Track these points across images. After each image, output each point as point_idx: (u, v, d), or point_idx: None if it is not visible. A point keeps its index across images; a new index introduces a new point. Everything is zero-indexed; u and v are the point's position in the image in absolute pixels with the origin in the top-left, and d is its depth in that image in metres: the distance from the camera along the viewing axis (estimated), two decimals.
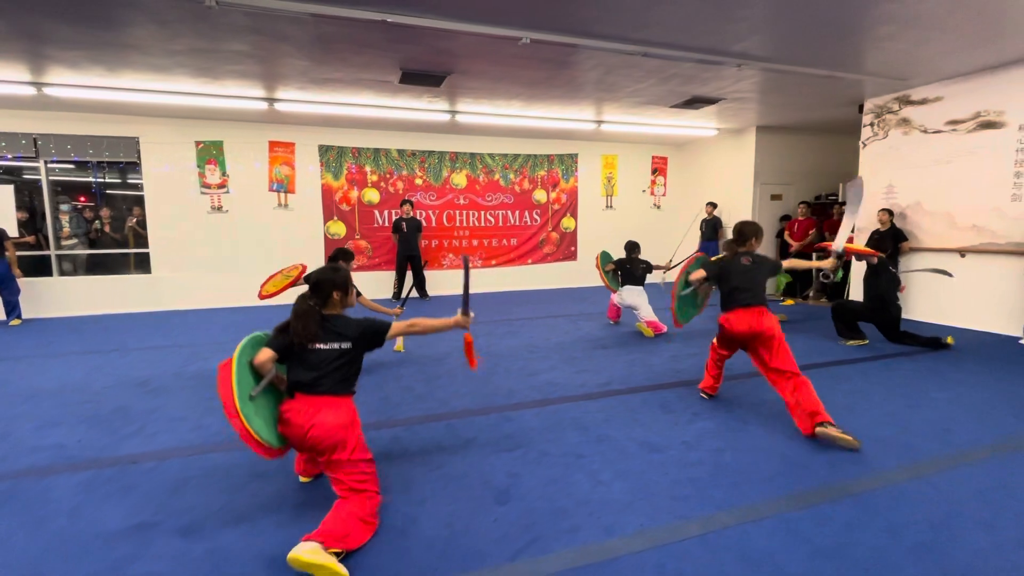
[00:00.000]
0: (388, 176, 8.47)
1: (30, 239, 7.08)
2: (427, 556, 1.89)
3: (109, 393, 3.78)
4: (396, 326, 2.26)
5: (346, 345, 2.12)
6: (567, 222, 9.69)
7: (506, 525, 2.08)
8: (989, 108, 5.44)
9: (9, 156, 6.96)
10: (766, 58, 4.97)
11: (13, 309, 6.58)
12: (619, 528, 2.06)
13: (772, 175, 8.56)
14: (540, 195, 9.41)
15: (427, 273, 8.58)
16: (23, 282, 6.70)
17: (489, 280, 9.16)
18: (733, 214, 8.84)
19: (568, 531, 2.04)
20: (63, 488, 2.39)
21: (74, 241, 7.52)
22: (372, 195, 8.42)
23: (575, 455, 2.70)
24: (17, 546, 1.96)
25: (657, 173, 10.20)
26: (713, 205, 8.97)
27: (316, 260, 8.20)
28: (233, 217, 7.77)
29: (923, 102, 6.03)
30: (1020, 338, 5.13)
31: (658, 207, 10.32)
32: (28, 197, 7.36)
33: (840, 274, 7.20)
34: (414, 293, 8.08)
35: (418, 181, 8.63)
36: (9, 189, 7.02)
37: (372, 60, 4.96)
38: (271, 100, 6.31)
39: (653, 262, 6.04)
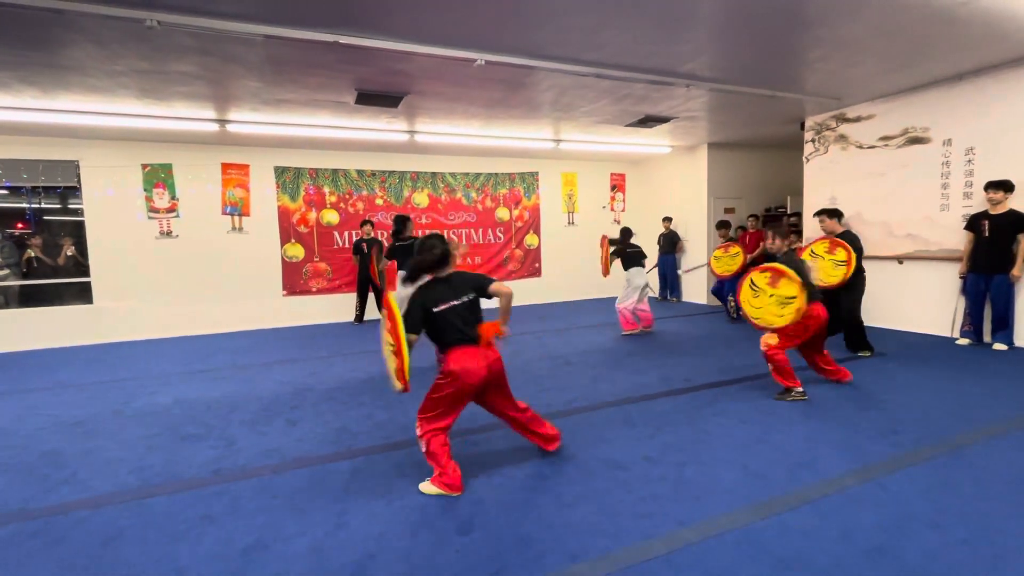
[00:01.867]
0: (347, 197, 8.33)
1: None
2: None
3: (39, 436, 3.49)
4: (497, 285, 2.77)
5: (471, 296, 2.67)
6: (530, 239, 9.75)
7: (469, 556, 2.01)
8: (916, 125, 5.83)
9: None
10: (712, 79, 5.19)
11: None
12: (584, 553, 2.02)
13: (724, 189, 8.90)
14: (503, 213, 9.45)
15: (391, 292, 8.41)
16: None
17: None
18: (690, 228, 9.11)
19: (533, 559, 1.99)
20: None
21: (6, 272, 7.01)
22: (331, 216, 8.25)
23: (540, 477, 2.66)
24: None
25: (616, 189, 10.43)
26: (669, 219, 9.22)
27: (274, 284, 7.93)
28: (183, 242, 7.45)
29: (858, 119, 6.41)
30: (956, 339, 5.44)
31: (618, 223, 10.53)
32: None
33: None
34: (376, 314, 7.90)
35: (379, 201, 8.52)
36: None
37: (326, 81, 4.90)
38: (222, 121, 6.13)
39: (615, 278, 6.20)
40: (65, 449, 3.23)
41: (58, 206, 7.60)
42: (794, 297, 3.56)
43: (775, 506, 2.32)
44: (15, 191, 7.14)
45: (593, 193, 10.23)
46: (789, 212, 8.53)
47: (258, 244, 7.85)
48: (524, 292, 9.59)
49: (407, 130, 6.94)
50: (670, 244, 9.16)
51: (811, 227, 7.00)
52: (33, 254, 7.09)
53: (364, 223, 8.02)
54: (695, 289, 9.13)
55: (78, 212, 7.14)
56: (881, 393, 3.83)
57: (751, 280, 3.83)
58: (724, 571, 1.89)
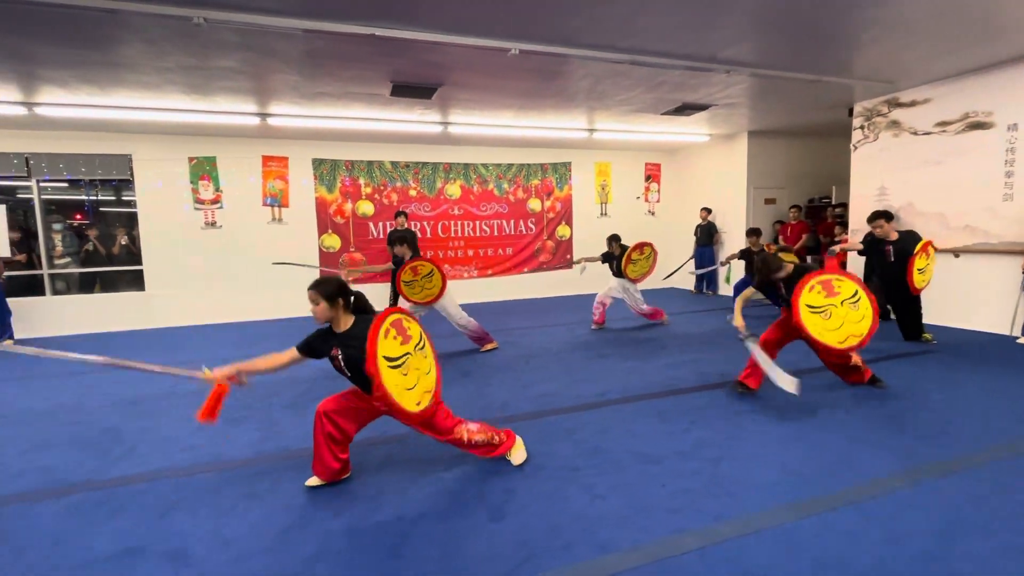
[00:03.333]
0: (382, 188, 8.47)
1: (21, 258, 7.04)
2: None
3: (100, 414, 3.73)
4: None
5: None
6: (562, 230, 9.69)
7: (500, 543, 2.04)
8: (977, 109, 5.46)
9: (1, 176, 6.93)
10: (754, 64, 5.00)
11: (5, 329, 6.53)
12: (614, 544, 2.02)
13: (765, 179, 8.59)
14: (534, 204, 9.41)
15: None
16: (15, 302, 6.65)
17: (484, 290, 9.14)
18: (727, 219, 8.86)
19: (563, 548, 2.00)
20: (48, 514, 2.34)
21: (67, 260, 7.48)
22: (366, 207, 8.41)
23: (570, 468, 2.66)
24: (4, 563, 1.91)
25: (651, 180, 10.22)
26: (708, 211, 8.99)
27: (312, 273, 8.17)
28: (227, 232, 7.74)
29: (912, 104, 6.06)
30: (1017, 337, 5.12)
31: (652, 214, 10.34)
32: (22, 216, 7.33)
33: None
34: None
35: (412, 192, 8.63)
36: (1, 209, 6.99)
37: (362, 74, 4.97)
38: (263, 115, 6.32)
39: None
40: (123, 427, 3.44)
41: (113, 198, 8.03)
42: (856, 292, 3.16)
43: (815, 505, 2.25)
44: (75, 184, 7.57)
45: (627, 183, 10.06)
46: (834, 203, 8.17)
47: (297, 234, 8.08)
48: (556, 283, 9.56)
49: (440, 121, 6.98)
50: (707, 236, 8.93)
51: (858, 219, 6.69)
52: (91, 245, 7.53)
53: (398, 214, 8.13)
54: (732, 284, 8.88)
55: (131, 204, 7.53)
56: (931, 392, 3.65)
57: (807, 307, 3.22)
58: (760, 569, 1.85)
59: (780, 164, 8.64)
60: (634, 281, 6.30)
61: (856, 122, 6.70)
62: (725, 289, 9.05)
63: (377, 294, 8.38)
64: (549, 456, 2.81)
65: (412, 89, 5.43)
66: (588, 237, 9.81)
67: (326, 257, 8.25)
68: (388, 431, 3.24)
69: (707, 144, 9.08)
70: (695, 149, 9.54)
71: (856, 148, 6.75)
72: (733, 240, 8.73)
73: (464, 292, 9.02)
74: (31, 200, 7.12)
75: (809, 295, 3.18)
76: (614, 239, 6.44)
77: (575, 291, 9.55)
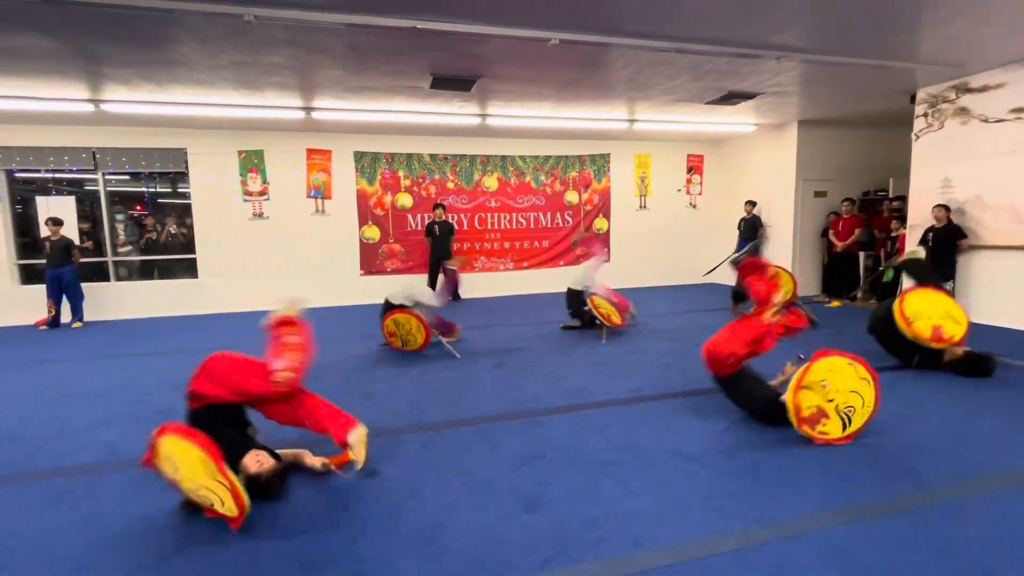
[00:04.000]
0: (421, 180, 8.58)
1: (89, 245, 7.54)
2: (453, 563, 1.89)
3: (157, 393, 3.97)
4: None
5: None
6: (600, 223, 9.56)
7: (533, 534, 2.05)
8: None
9: (71, 169, 7.44)
10: (807, 49, 4.75)
11: (76, 312, 7.03)
12: (649, 540, 2.00)
13: (815, 171, 8.20)
14: (572, 196, 9.33)
15: (459, 275, 8.60)
16: (84, 287, 7.14)
17: (520, 282, 9.15)
18: (774, 212, 8.51)
19: (596, 542, 1.99)
20: (111, 485, 2.52)
21: (129, 248, 7.98)
22: (405, 199, 8.55)
23: (604, 463, 2.64)
24: (71, 539, 2.07)
25: (693, 172, 9.94)
26: (752, 204, 8.66)
27: (352, 264, 8.41)
28: (273, 224, 8.05)
29: (983, 89, 5.63)
30: None
31: (694, 206, 10.06)
32: (89, 207, 7.84)
33: (891, 274, 6.83)
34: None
35: (450, 185, 8.71)
36: (71, 200, 7.51)
37: (403, 67, 5.03)
38: (308, 109, 6.50)
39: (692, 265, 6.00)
40: (177, 406, 3.64)
41: (169, 190, 8.48)
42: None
43: (863, 512, 2.15)
44: (135, 176, 8.04)
45: (667, 175, 9.82)
46: (891, 196, 7.72)
47: (338, 226, 8.31)
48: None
49: (479, 113, 7.00)
50: (751, 230, 8.61)
51: (918, 213, 6.30)
52: (155, 233, 8.00)
53: (436, 206, 8.24)
54: None
55: (185, 196, 7.92)
56: (996, 402, 3.41)
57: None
58: (800, 573, 1.79)
59: (832, 155, 8.22)
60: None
61: (919, 109, 6.29)
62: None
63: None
64: (582, 450, 2.79)
65: (452, 81, 5.46)
66: (626, 230, 9.66)
67: (366, 248, 8.46)
68: (423, 420, 3.31)
69: (753, 134, 8.74)
70: (740, 140, 9.20)
71: (918, 137, 6.34)
72: (779, 234, 8.39)
73: (500, 284, 9.07)
74: (97, 192, 7.60)
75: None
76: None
77: (613, 285, 9.40)
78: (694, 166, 9.92)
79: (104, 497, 2.40)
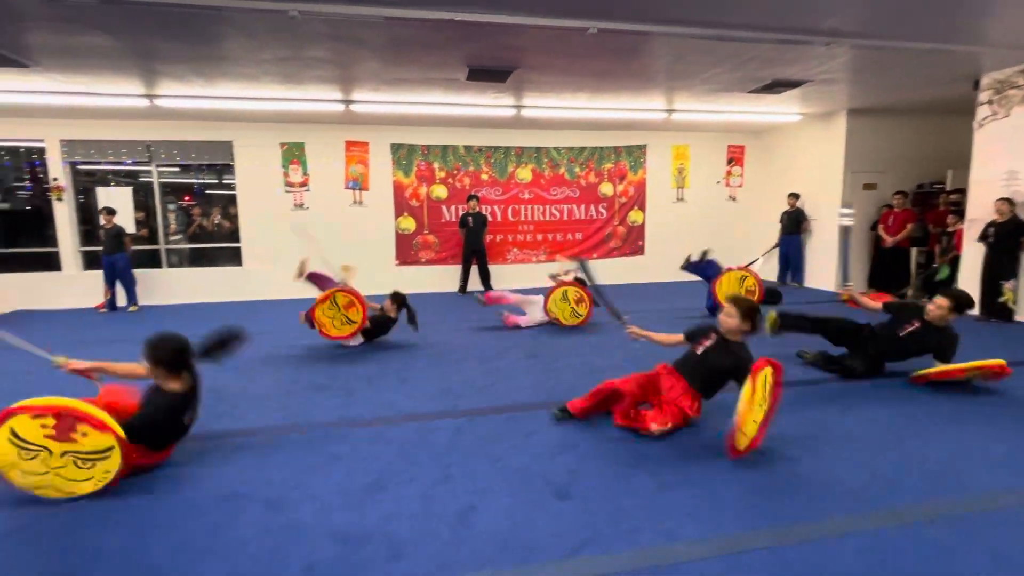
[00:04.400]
0: (455, 172, 8.65)
1: (144, 233, 7.97)
2: (486, 546, 1.93)
3: (207, 373, 4.16)
4: None
5: None
6: (635, 215, 9.42)
7: (564, 521, 2.08)
8: None
9: (128, 161, 7.86)
10: (860, 34, 4.53)
11: (131, 297, 7.46)
12: (681, 534, 1.99)
13: (865, 162, 7.82)
14: (606, 188, 9.22)
15: (491, 267, 8.66)
16: (139, 273, 7.56)
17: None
18: (819, 206, 8.19)
19: (627, 532, 2.00)
20: (175, 455, 2.68)
21: (179, 236, 8.39)
22: (440, 191, 8.65)
23: (639, 456, 2.63)
24: (131, 508, 2.22)
25: (733, 163, 9.65)
26: (795, 196, 8.36)
27: (388, 254, 8.58)
28: (313, 214, 8.29)
29: None
30: None
31: (734, 199, 9.78)
32: (143, 197, 8.27)
33: (946, 271, 6.48)
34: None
35: (484, 176, 8.75)
36: (128, 191, 7.94)
37: (440, 59, 5.07)
38: (347, 102, 6.65)
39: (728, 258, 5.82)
40: (225, 387, 3.84)
41: (215, 181, 8.84)
42: None
43: (908, 515, 2.08)
44: (185, 168, 8.42)
45: (707, 167, 9.56)
46: (949, 189, 7.30)
47: (375, 217, 8.49)
48: (625, 270, 9.34)
49: (513, 105, 6.99)
50: (794, 223, 8.32)
51: (979, 207, 5.94)
52: (203, 222, 8.39)
53: (470, 198, 8.30)
54: (821, 274, 8.23)
55: (230, 187, 8.25)
56: None
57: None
58: (840, 574, 1.75)
59: (883, 145, 7.82)
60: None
61: (983, 96, 5.91)
62: (812, 280, 8.40)
63: (449, 276, 8.65)
64: (616, 441, 2.79)
65: (487, 73, 5.47)
66: (662, 223, 9.48)
67: (401, 239, 8.61)
68: (459, 406, 3.37)
69: (798, 124, 8.40)
70: (785, 130, 8.86)
71: (981, 126, 5.96)
72: (824, 228, 8.07)
73: (532, 276, 9.07)
74: (151, 183, 8.00)
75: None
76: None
77: (647, 279, 9.30)
78: (735, 157, 9.63)
79: (165, 471, 2.56)
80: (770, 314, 3.98)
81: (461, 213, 8.46)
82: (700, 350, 2.97)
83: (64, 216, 7.65)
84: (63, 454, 2.19)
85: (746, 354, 2.86)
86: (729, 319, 2.89)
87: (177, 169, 8.39)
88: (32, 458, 2.17)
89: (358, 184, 8.42)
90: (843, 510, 2.13)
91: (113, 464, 2.25)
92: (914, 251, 7.35)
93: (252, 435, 2.96)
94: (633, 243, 9.47)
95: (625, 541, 1.95)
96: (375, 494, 2.30)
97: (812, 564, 1.81)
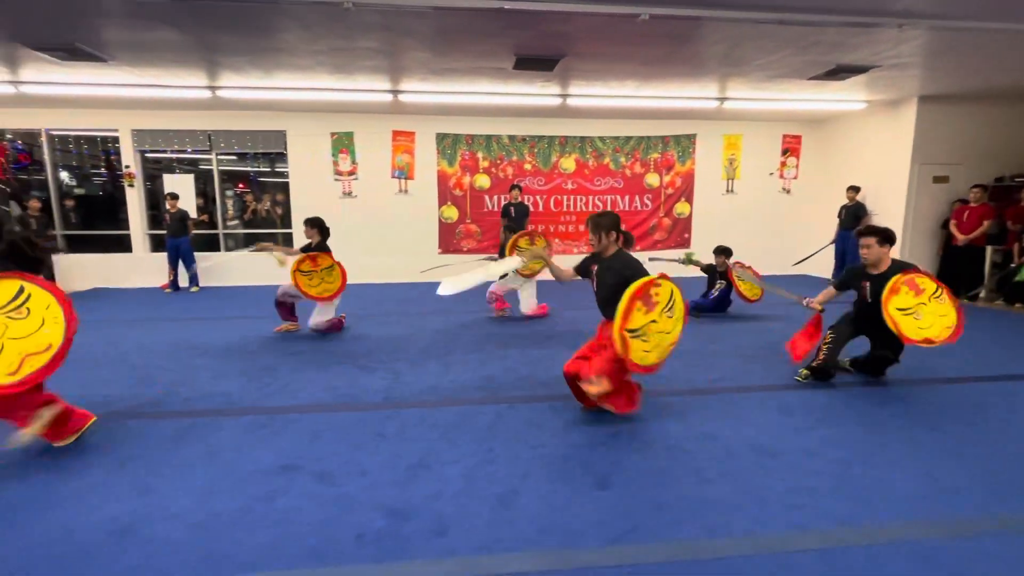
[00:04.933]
0: (499, 162, 8.67)
1: (204, 218, 8.43)
2: (527, 528, 1.97)
3: (260, 352, 4.41)
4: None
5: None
6: (681, 207, 9.18)
7: (605, 510, 2.09)
8: None
9: (191, 149, 8.31)
10: (937, 14, 4.21)
11: (193, 279, 7.93)
12: (724, 529, 1.96)
13: (936, 153, 7.30)
14: (652, 179, 9.01)
15: None
16: (199, 256, 8.01)
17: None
18: (882, 199, 7.72)
19: (668, 525, 1.99)
20: (230, 429, 2.86)
21: (236, 222, 8.83)
22: (483, 181, 8.70)
23: (679, 450, 2.60)
24: (195, 474, 2.39)
25: (788, 153, 9.22)
26: (856, 189, 7.91)
27: (431, 242, 8.72)
28: (360, 202, 8.53)
29: None
30: None
31: (787, 191, 9.35)
32: (203, 184, 8.74)
33: None
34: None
35: (527, 166, 8.73)
36: (190, 178, 8.41)
37: (488, 48, 5.08)
38: (395, 92, 6.77)
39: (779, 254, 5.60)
40: (278, 366, 4.04)
41: (268, 169, 9.22)
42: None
43: (969, 526, 1.97)
44: (242, 156, 8.82)
45: (759, 158, 9.18)
46: None
47: (419, 205, 8.64)
48: (670, 264, 9.12)
49: (560, 94, 6.92)
50: (853, 218, 7.87)
51: None
52: (256, 205, 8.79)
53: (513, 187, 8.29)
54: None
55: (283, 174, 8.58)
56: None
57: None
58: None
59: (958, 135, 7.27)
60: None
61: None
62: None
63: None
64: (658, 434, 2.77)
65: (535, 61, 5.44)
66: (711, 216, 9.19)
67: (444, 228, 8.73)
68: (498, 393, 3.42)
69: (862, 112, 7.92)
70: (846, 118, 8.38)
71: None
72: (888, 223, 7.50)
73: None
74: (211, 171, 8.44)
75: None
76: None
77: (692, 272, 9.04)
78: (790, 147, 9.19)
79: (224, 439, 2.74)
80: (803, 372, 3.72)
81: (503, 203, 8.49)
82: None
83: (134, 201, 8.19)
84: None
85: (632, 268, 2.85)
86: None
87: (234, 157, 8.81)
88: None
89: (404, 173, 8.58)
90: (896, 516, 2.04)
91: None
92: (989, 249, 6.82)
93: (303, 412, 3.11)
94: (679, 236, 9.24)
95: (666, 533, 1.94)
96: (420, 473, 2.38)
97: (866, 570, 1.74)
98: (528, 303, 5.80)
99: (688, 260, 5.97)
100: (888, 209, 7.62)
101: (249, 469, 2.41)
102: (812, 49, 5.06)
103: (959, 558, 1.80)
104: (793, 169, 9.26)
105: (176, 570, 1.74)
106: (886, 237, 3.48)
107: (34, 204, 7.05)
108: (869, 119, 7.92)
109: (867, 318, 3.50)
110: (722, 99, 7.18)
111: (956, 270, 7.01)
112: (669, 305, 2.68)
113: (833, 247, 8.13)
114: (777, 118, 8.74)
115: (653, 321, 2.64)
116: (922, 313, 3.20)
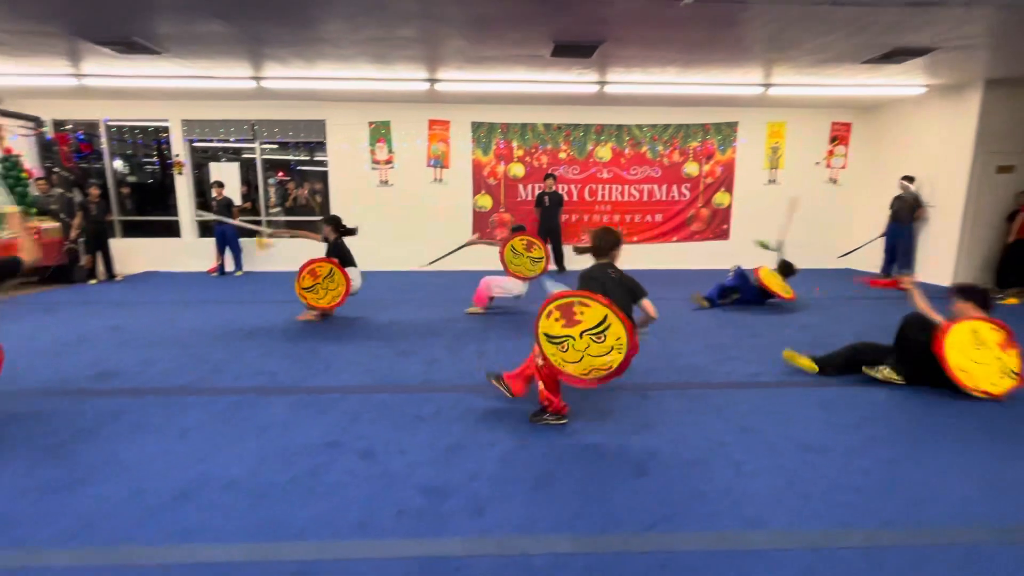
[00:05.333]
0: (533, 151, 8.63)
1: (247, 205, 8.74)
2: (562, 511, 2.00)
3: (303, 335, 4.58)
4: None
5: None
6: (721, 197, 8.93)
7: (641, 497, 2.09)
8: None
9: (236, 139, 8.61)
10: None
11: (237, 263, 8.26)
12: (763, 522, 1.94)
13: (1003, 141, 6.84)
14: (691, 168, 8.79)
15: (565, 247, 8.60)
16: (244, 242, 8.33)
17: (629, 257, 8.78)
18: (940, 190, 7.31)
19: (707, 515, 1.98)
20: (277, 406, 3.00)
21: (277, 209, 9.12)
22: (517, 169, 8.68)
23: (717, 442, 2.57)
24: (247, 447, 2.52)
25: (837, 142, 8.82)
26: (910, 179, 7.51)
27: (465, 231, 8.79)
28: (396, 190, 8.66)
29: None
30: None
31: (835, 182, 8.96)
32: (247, 173, 9.05)
33: None
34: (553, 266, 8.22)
35: (562, 155, 8.66)
36: (236, 166, 8.72)
37: (526, 35, 5.04)
38: (432, 80, 6.81)
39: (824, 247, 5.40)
40: (320, 348, 4.19)
41: (307, 158, 9.46)
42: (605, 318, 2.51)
43: (1020, 534, 1.89)
44: (283, 145, 9.08)
45: (805, 146, 8.81)
46: None
47: (454, 194, 8.71)
48: (708, 255, 8.93)
49: (597, 81, 6.82)
50: (907, 210, 7.50)
51: None
52: (293, 194, 9.06)
53: (547, 176, 8.27)
54: (934, 267, 7.39)
55: (322, 163, 8.79)
56: None
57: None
58: None
59: None
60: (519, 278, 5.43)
61: None
62: (928, 274, 7.57)
63: None
64: (695, 427, 2.74)
65: (573, 48, 5.37)
66: (751, 206, 8.91)
67: (478, 216, 8.78)
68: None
69: (920, 98, 7.49)
70: (902, 104, 7.94)
71: None
72: (946, 216, 7.21)
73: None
74: (254, 159, 8.72)
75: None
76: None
77: (730, 265, 8.81)
78: (839, 135, 8.79)
79: (272, 415, 2.87)
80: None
81: (537, 192, 8.47)
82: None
83: (183, 188, 8.56)
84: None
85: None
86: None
87: (275, 146, 9.07)
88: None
89: (439, 162, 8.66)
90: (947, 519, 1.97)
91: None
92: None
93: (345, 392, 3.22)
94: (717, 227, 9.00)
95: (704, 523, 1.93)
96: (457, 454, 2.44)
97: (914, 571, 1.69)
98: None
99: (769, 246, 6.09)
100: (945, 200, 7.21)
101: (297, 445, 2.52)
102: (866, 31, 4.81)
103: (1012, 564, 1.72)
104: (841, 158, 8.86)
105: (234, 533, 1.85)
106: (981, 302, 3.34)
107: (94, 191, 7.46)
108: (928, 104, 7.49)
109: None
110: (767, 85, 6.92)
111: (1017, 266, 6.60)
112: (598, 330, 2.52)
113: (883, 240, 7.78)
114: (825, 104, 8.36)
115: (570, 337, 2.55)
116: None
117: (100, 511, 1.98)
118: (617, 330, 2.49)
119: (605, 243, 2.92)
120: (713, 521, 1.95)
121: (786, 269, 5.94)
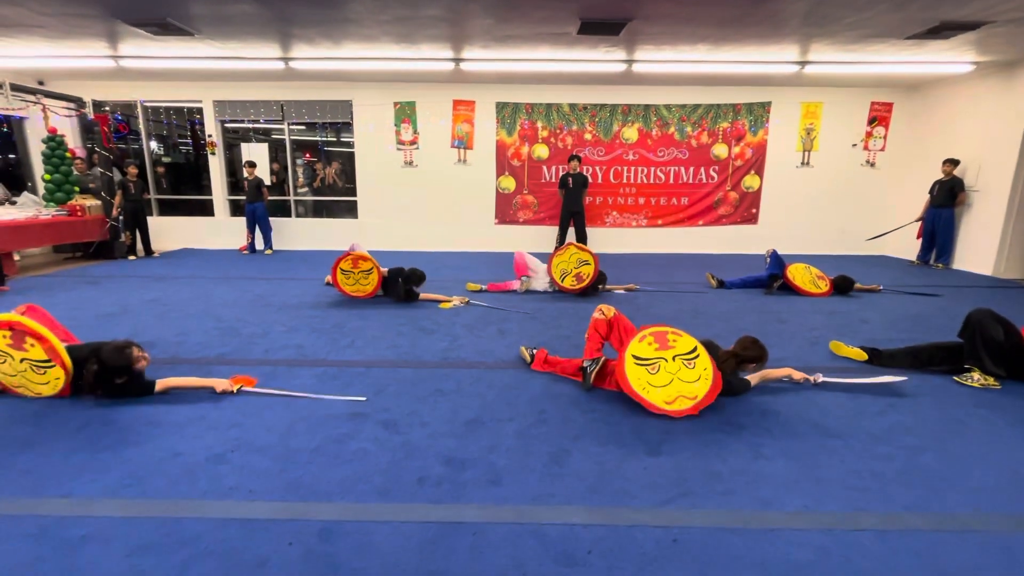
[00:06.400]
0: (558, 131, 8.54)
1: (274, 180, 8.92)
2: (578, 486, 2.05)
3: (330, 311, 4.71)
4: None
5: None
6: (750, 180, 8.70)
7: (656, 474, 2.13)
8: None
9: (265, 119, 8.77)
10: None
11: (267, 242, 8.49)
12: (778, 503, 1.95)
13: None
14: (720, 150, 8.57)
15: (588, 229, 8.56)
16: (273, 220, 8.55)
17: (653, 241, 8.83)
18: (985, 175, 6.97)
19: (721, 494, 2.00)
20: (305, 377, 3.12)
21: (305, 189, 9.29)
22: (541, 151, 8.62)
23: (735, 425, 2.58)
24: (276, 415, 2.64)
25: (876, 123, 8.46)
26: (953, 163, 7.18)
27: (488, 213, 8.82)
28: (421, 171, 8.71)
29: None
30: None
31: (872, 164, 8.63)
32: (275, 153, 9.23)
33: None
34: None
35: (587, 136, 8.55)
36: (264, 147, 8.89)
37: (552, 13, 4.97)
38: (457, 60, 6.78)
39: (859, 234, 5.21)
40: (345, 323, 4.31)
41: (334, 139, 9.57)
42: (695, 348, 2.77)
43: None
44: (311, 126, 9.20)
45: (842, 127, 8.49)
46: None
47: (478, 175, 8.71)
48: (735, 240, 8.77)
49: (624, 60, 6.68)
50: (947, 195, 7.19)
51: None
52: (321, 175, 9.21)
53: (572, 158, 8.18)
54: (976, 256, 7.09)
55: (348, 144, 8.89)
56: None
57: (632, 357, 2.82)
58: (958, 569, 1.63)
59: None
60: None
61: None
62: (963, 262, 7.28)
63: (546, 237, 8.71)
64: (712, 408, 2.73)
65: (600, 25, 5.26)
66: (782, 190, 8.67)
67: (501, 198, 8.78)
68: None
69: (969, 76, 7.11)
70: (949, 83, 7.55)
71: None
72: (988, 201, 6.89)
73: (629, 241, 8.85)
74: (283, 140, 8.88)
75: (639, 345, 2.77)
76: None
77: (757, 250, 8.65)
78: (879, 116, 8.42)
79: (300, 386, 2.99)
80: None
81: (561, 174, 8.40)
82: None
83: (216, 168, 8.79)
84: (21, 360, 2.62)
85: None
86: None
87: (303, 127, 9.21)
88: (2, 362, 2.65)
89: (463, 143, 8.66)
90: (968, 507, 1.94)
91: (58, 372, 2.65)
92: None
93: (368, 366, 3.32)
94: (746, 211, 8.80)
95: (719, 502, 1.96)
96: (476, 427, 2.51)
97: (930, 556, 1.69)
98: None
99: None
100: (991, 185, 6.88)
101: (323, 414, 2.63)
102: (911, 4, 4.58)
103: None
104: (880, 140, 8.50)
105: (265, 492, 1.97)
106: None
107: (132, 171, 7.73)
108: (977, 83, 7.10)
109: None
110: (803, 63, 6.66)
111: None
112: (689, 356, 2.71)
113: (920, 225, 7.49)
114: (865, 83, 8.01)
115: (662, 359, 2.70)
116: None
117: (142, 469, 2.12)
118: (705, 362, 2.68)
119: (747, 357, 2.93)
120: (727, 500, 1.97)
121: (844, 286, 5.49)
